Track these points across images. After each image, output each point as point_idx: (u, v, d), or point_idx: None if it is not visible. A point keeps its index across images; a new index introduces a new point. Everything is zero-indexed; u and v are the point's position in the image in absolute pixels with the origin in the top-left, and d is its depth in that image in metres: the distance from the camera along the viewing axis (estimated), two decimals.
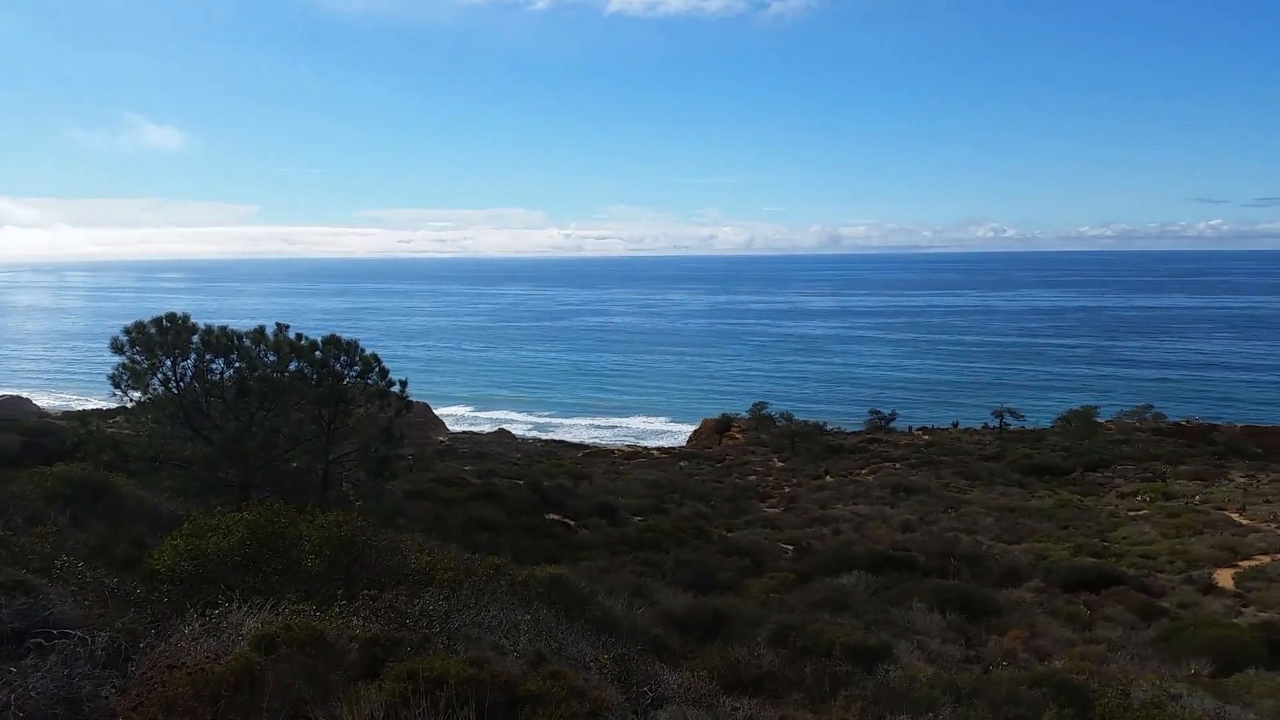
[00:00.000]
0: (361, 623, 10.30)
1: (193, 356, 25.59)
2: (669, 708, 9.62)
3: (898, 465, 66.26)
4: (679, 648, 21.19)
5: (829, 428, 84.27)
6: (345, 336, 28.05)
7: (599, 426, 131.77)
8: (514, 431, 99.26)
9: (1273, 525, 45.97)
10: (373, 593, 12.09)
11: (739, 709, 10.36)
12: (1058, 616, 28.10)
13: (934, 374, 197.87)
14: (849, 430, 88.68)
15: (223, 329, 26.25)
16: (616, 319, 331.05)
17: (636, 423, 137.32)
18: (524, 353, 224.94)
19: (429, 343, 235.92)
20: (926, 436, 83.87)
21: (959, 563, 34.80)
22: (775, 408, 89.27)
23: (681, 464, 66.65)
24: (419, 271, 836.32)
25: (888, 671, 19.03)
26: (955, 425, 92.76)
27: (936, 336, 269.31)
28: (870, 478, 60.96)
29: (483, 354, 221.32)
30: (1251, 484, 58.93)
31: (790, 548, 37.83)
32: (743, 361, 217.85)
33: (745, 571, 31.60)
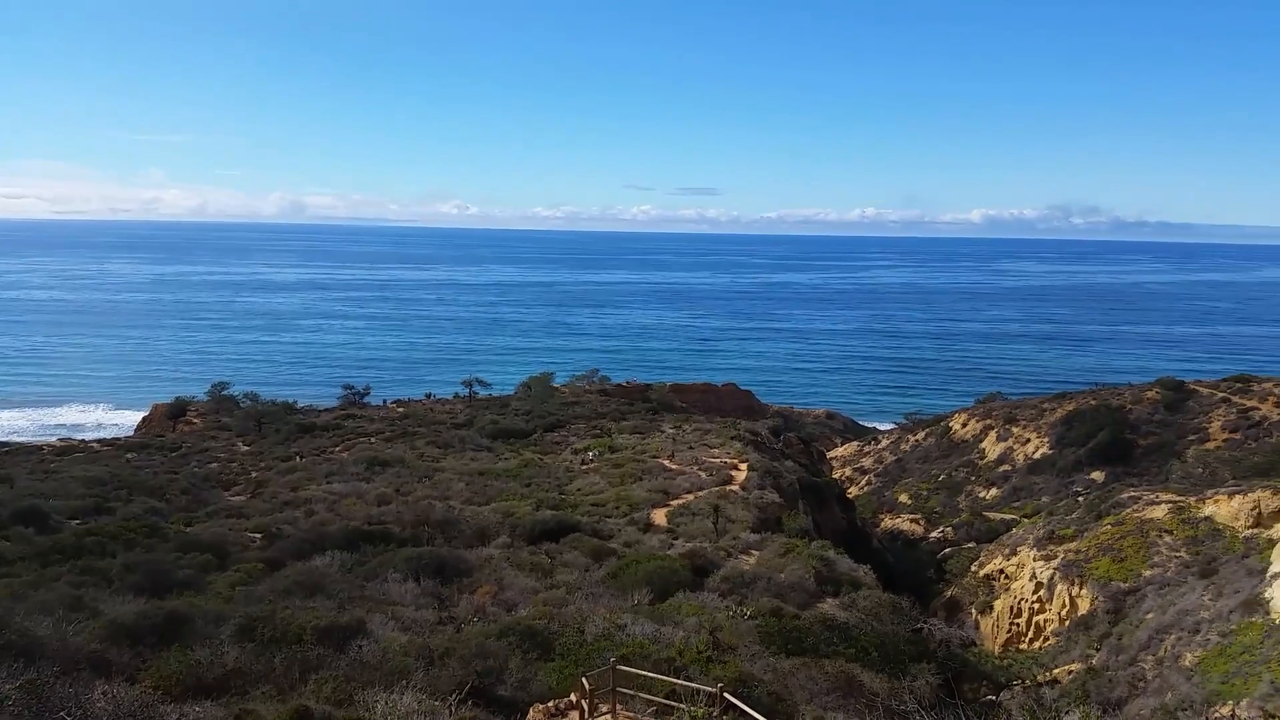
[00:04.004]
0: None
1: None
2: None
3: (373, 440, 65.96)
4: (130, 660, 19.03)
5: (300, 406, 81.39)
6: None
7: (19, 421, 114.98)
8: None
9: (695, 468, 53.71)
10: None
11: (185, 715, 9.45)
12: (523, 568, 30.02)
13: (406, 348, 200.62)
14: (321, 408, 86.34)
15: None
16: (37, 293, 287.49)
17: (71, 413, 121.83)
18: None
19: None
20: (401, 409, 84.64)
21: (433, 529, 35.64)
22: (238, 388, 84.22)
23: (129, 456, 59.75)
24: None
25: (360, 647, 18.93)
26: (429, 396, 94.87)
27: (407, 310, 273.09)
28: (345, 455, 59.93)
29: None
30: (679, 434, 68.26)
31: (259, 536, 35.80)
32: (199, 339, 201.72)
33: (208, 567, 29.34)
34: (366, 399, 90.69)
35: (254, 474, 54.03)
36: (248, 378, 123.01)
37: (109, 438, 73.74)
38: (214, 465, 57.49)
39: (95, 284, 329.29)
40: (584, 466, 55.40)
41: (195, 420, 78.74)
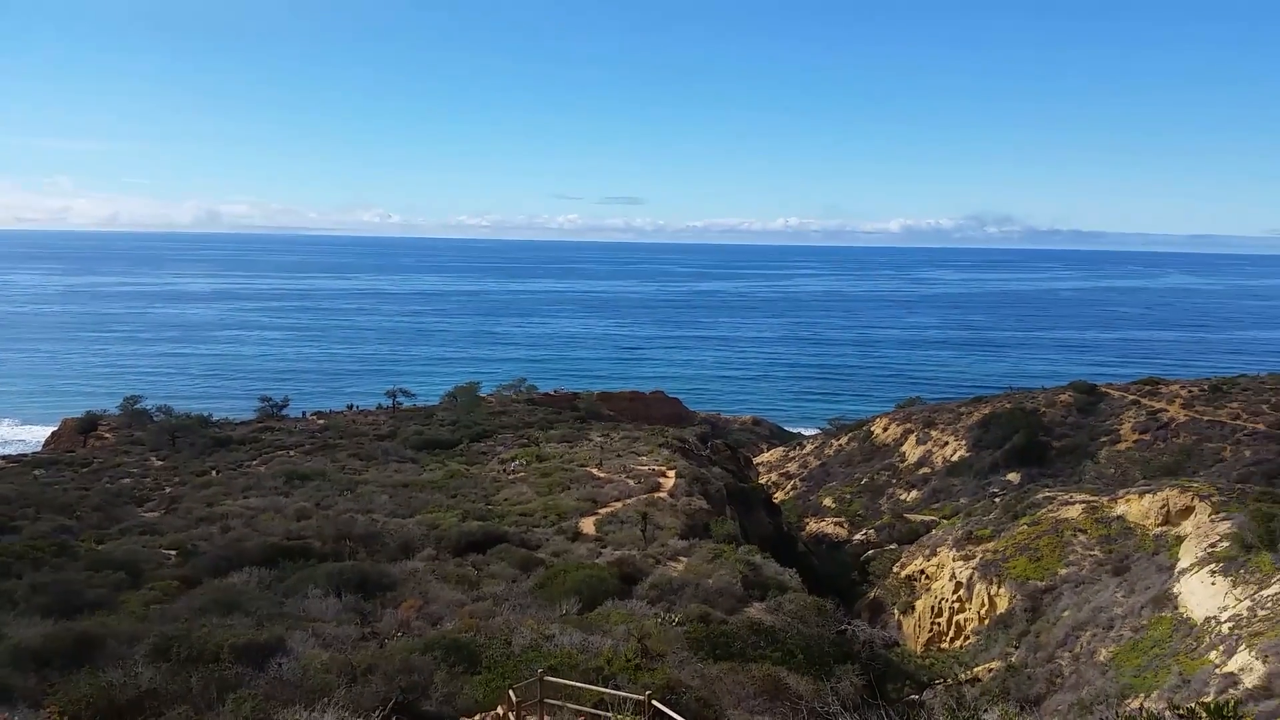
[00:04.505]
0: None
1: None
2: None
3: (292, 453, 64.57)
4: (36, 685, 18.26)
5: (215, 419, 79.32)
6: None
7: None
8: None
9: (623, 476, 53.71)
10: None
11: None
12: (449, 581, 29.64)
13: (327, 358, 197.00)
14: (238, 421, 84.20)
15: None
16: None
17: None
18: None
19: None
20: (321, 420, 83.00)
21: (355, 543, 34.97)
22: (151, 402, 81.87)
23: (37, 472, 57.49)
24: None
25: (280, 665, 18.46)
26: (350, 408, 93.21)
27: (328, 320, 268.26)
28: (263, 468, 58.54)
29: None
30: (607, 442, 68.19)
31: (174, 553, 34.73)
32: (110, 352, 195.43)
33: (121, 585, 28.33)
34: (285, 411, 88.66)
35: (168, 489, 52.44)
36: (161, 391, 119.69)
37: (14, 454, 70.84)
38: (126, 481, 55.64)
39: (0, 296, 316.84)
40: (511, 476, 54.99)
41: (107, 435, 76.09)
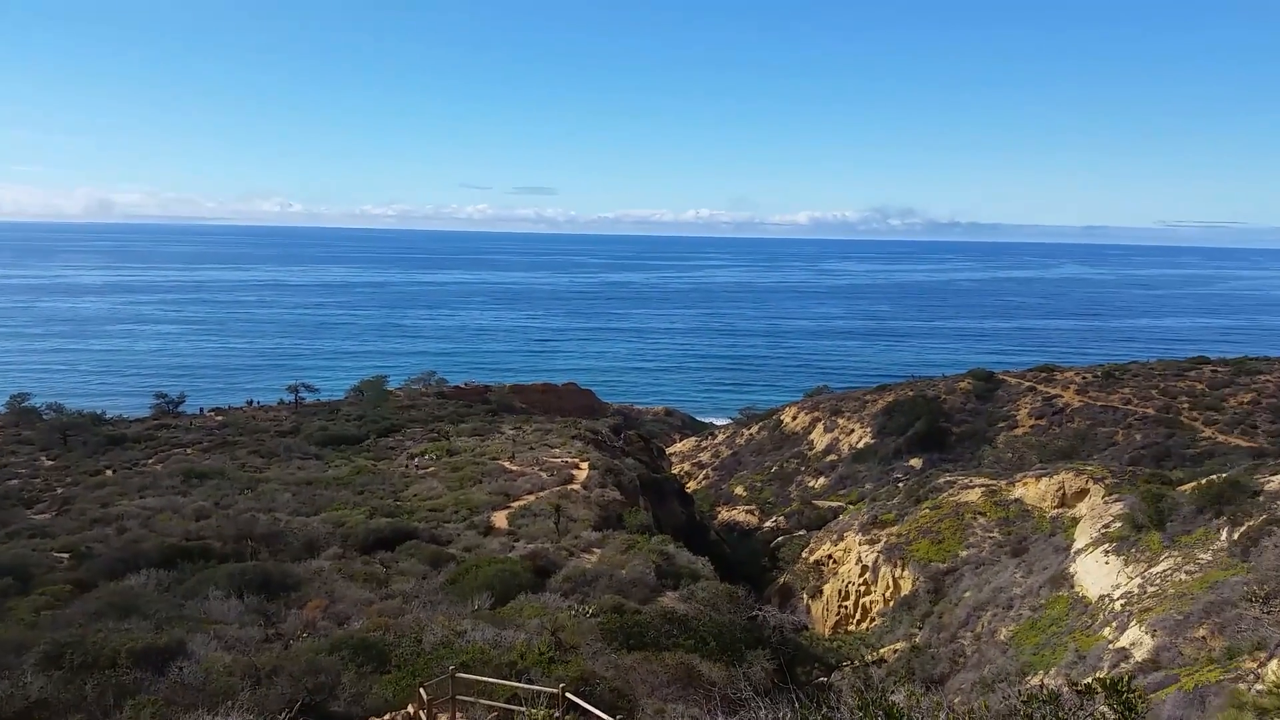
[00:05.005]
0: None
1: None
2: None
3: (189, 451, 62.48)
4: None
5: (109, 417, 76.28)
6: None
7: None
8: None
9: (536, 469, 53.45)
10: None
11: None
12: (356, 579, 29.09)
13: (225, 353, 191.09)
14: (132, 418, 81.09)
15: None
16: None
17: None
18: None
19: None
20: (220, 417, 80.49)
21: (257, 543, 34.07)
22: (40, 399, 78.22)
23: None
24: None
25: (181, 669, 17.86)
26: (250, 403, 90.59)
27: (226, 313, 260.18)
28: (159, 467, 56.54)
29: None
30: (519, 435, 67.77)
31: (67, 556, 33.30)
32: None
33: (8, 591, 27.08)
34: (182, 408, 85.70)
35: (60, 490, 50.21)
36: (51, 388, 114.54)
37: None
38: (14, 482, 53.05)
39: None
40: (420, 471, 54.23)
41: None
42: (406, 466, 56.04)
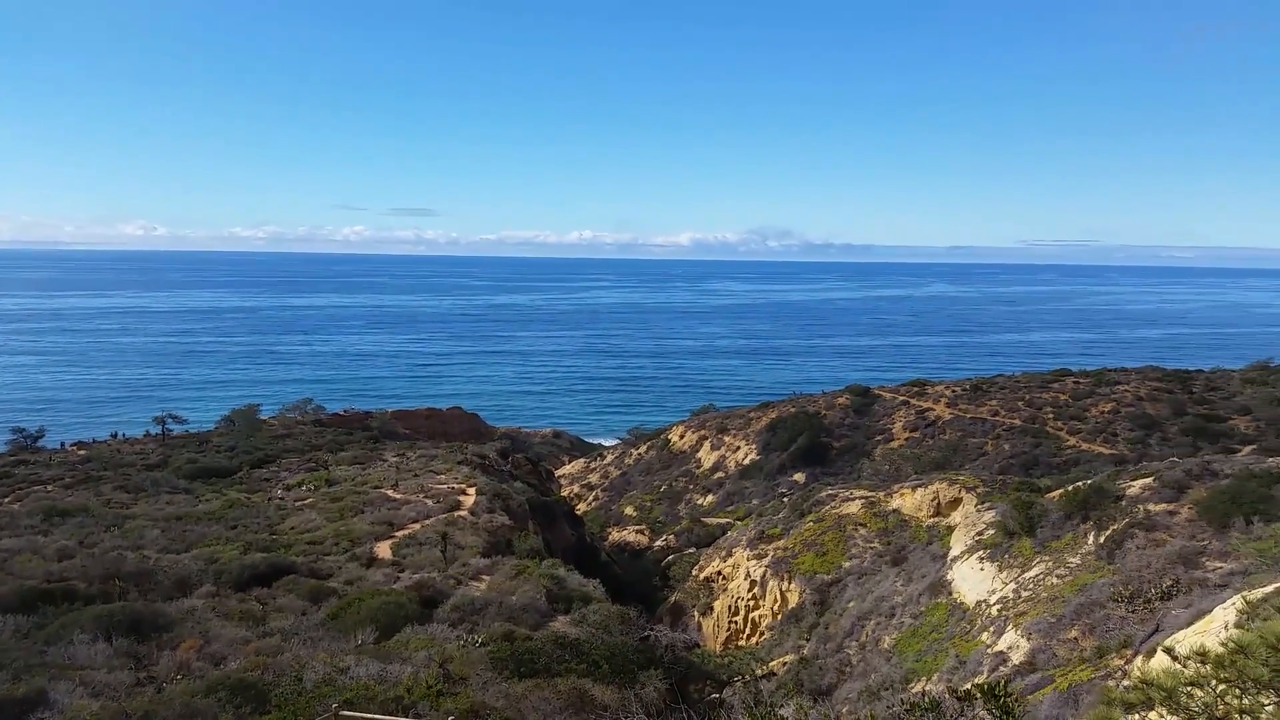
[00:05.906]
0: None
1: None
2: None
3: (50, 487, 58.93)
4: None
5: None
6: None
7: None
8: None
9: (421, 496, 52.31)
10: None
11: None
12: (231, 618, 27.85)
13: (86, 384, 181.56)
14: None
15: None
16: None
17: None
18: None
19: None
20: (83, 451, 76.28)
21: (125, 582, 32.28)
22: None
23: None
24: None
25: None
26: (115, 436, 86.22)
27: (86, 343, 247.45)
28: (16, 505, 53.14)
29: None
30: (403, 461, 66.27)
31: None
32: None
33: None
34: (41, 443, 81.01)
35: None
36: None
37: None
38: None
39: None
40: (297, 503, 52.44)
41: None
42: (283, 498, 54.13)
